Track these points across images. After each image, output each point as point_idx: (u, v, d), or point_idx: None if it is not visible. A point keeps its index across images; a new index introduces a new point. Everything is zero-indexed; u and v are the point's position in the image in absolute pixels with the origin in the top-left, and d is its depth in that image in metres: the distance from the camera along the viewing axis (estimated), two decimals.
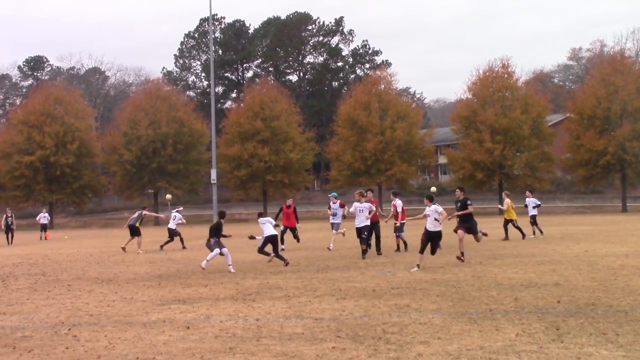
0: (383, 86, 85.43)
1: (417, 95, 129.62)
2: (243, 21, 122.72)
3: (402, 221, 27.26)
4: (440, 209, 21.06)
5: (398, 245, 27.24)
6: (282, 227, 29.08)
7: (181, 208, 37.86)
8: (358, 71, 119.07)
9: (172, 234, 34.69)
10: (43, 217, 54.55)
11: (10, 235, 46.87)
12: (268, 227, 23.76)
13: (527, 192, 39.73)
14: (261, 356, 10.23)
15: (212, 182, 78.80)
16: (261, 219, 24.28)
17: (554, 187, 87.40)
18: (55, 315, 14.46)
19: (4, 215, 48.12)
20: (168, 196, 49.57)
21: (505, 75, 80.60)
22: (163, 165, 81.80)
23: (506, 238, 32.46)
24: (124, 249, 32.88)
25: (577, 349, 10.12)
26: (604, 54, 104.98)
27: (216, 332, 12.08)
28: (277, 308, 14.67)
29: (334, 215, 29.01)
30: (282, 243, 28.62)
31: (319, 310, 14.28)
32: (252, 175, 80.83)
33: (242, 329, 12.38)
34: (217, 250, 22.00)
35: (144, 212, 34.44)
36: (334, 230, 29.18)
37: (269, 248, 23.66)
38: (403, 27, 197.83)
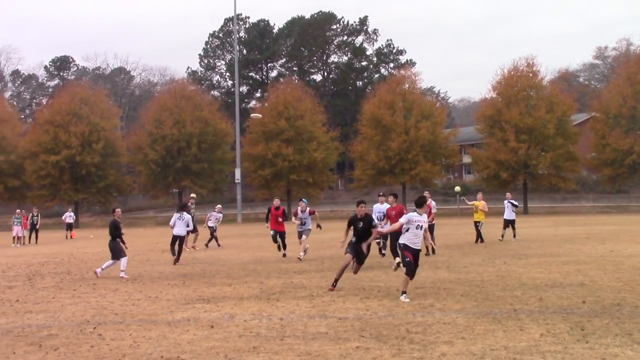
0: (407, 85, 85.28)
1: (442, 95, 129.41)
2: (267, 21, 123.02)
3: (432, 222, 25.92)
4: (425, 218, 16.03)
5: (427, 248, 25.18)
6: (271, 232, 27.41)
7: (219, 206, 38.13)
8: (382, 70, 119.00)
9: (212, 231, 35.41)
10: (69, 216, 54.89)
11: (35, 235, 47.26)
12: (179, 225, 25.52)
13: (507, 193, 36.34)
14: (285, 355, 10.26)
15: (236, 181, 79.00)
16: (177, 214, 25.58)
17: (579, 187, 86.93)
18: (80, 314, 14.56)
19: (30, 214, 48.49)
20: (192, 195, 49.79)
21: (530, 75, 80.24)
22: (188, 165, 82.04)
23: (482, 241, 31.30)
24: (194, 247, 33.30)
25: (603, 350, 10.07)
26: (630, 52, 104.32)
27: (240, 331, 12.11)
28: (301, 307, 14.69)
29: (303, 224, 25.96)
30: (285, 248, 27.26)
31: (342, 309, 14.29)
32: (276, 174, 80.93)
33: (266, 328, 12.41)
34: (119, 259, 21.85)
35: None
36: (304, 236, 25.82)
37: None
38: (427, 26, 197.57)
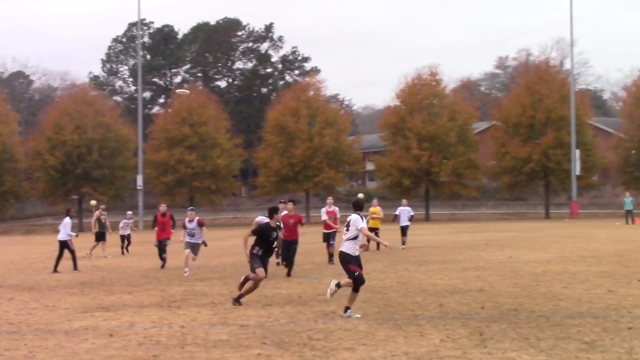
0: (312, 92, 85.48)
1: (346, 102, 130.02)
2: (172, 26, 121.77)
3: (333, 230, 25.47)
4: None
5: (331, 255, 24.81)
6: (155, 243, 26.22)
7: (130, 213, 37.77)
8: (287, 77, 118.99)
9: (125, 238, 35.38)
10: None
11: None
12: (62, 230, 25.35)
13: (403, 200, 36.50)
14: None
15: (138, 188, 78.03)
16: (67, 219, 25.38)
17: (479, 194, 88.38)
18: None
19: None
20: (93, 202, 49.02)
21: (433, 83, 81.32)
22: (88, 171, 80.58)
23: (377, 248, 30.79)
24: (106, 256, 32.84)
25: (500, 354, 10.24)
26: (529, 62, 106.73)
27: (140, 340, 11.95)
28: (202, 315, 14.59)
29: (192, 235, 23.01)
30: (164, 259, 25.65)
31: (244, 317, 14.24)
32: (179, 181, 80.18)
33: (166, 336, 12.27)
34: None
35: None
36: (187, 250, 22.84)
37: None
38: (331, 34, 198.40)
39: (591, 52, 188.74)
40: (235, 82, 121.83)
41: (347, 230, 14.12)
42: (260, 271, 15.97)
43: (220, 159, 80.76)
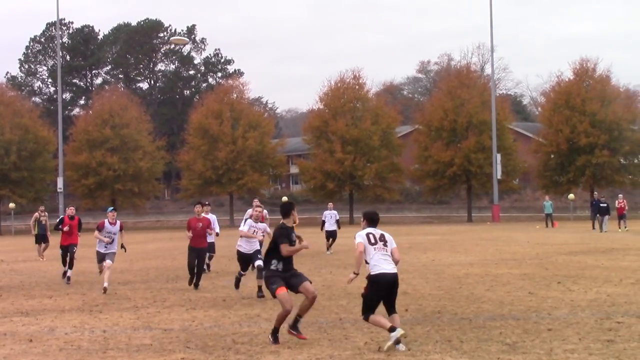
0: (235, 95, 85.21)
1: (270, 105, 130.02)
2: (92, 27, 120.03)
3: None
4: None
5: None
6: (61, 251, 22.72)
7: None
8: (210, 80, 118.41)
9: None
10: None
11: None
12: None
13: (329, 203, 34.21)
14: None
15: (58, 190, 76.72)
16: None
17: (402, 198, 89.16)
18: None
19: None
20: (11, 205, 48.10)
21: (357, 87, 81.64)
22: (6, 173, 78.91)
23: None
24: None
25: (424, 356, 10.31)
26: (450, 67, 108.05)
27: (61, 345, 11.73)
28: (124, 319, 14.40)
29: (110, 242, 19.64)
30: (71, 266, 22.02)
31: (168, 320, 14.10)
32: (101, 184, 79.11)
33: (88, 341, 12.07)
34: None
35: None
36: (108, 261, 19.50)
37: None
38: (254, 36, 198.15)
39: (511, 58, 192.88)
40: (158, 84, 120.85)
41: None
42: (283, 295, 11.76)
43: (143, 162, 79.91)
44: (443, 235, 46.34)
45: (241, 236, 18.55)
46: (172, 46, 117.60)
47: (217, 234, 22.57)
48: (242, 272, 18.31)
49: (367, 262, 11.64)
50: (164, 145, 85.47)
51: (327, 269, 23.86)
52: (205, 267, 21.67)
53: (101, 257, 19.70)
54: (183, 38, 74.06)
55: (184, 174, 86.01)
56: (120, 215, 24.74)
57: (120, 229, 19.97)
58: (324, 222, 32.08)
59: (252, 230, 18.43)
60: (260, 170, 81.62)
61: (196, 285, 19.17)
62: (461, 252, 29.96)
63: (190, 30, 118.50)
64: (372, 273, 11.49)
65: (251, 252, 18.39)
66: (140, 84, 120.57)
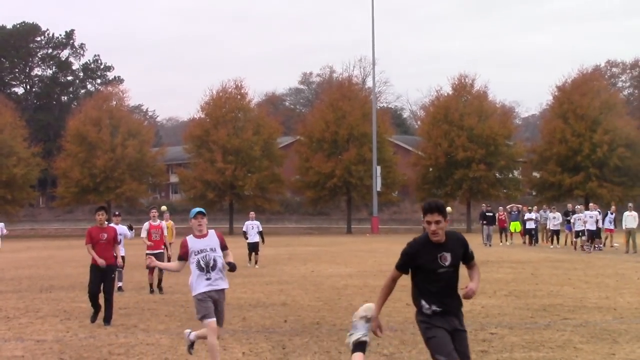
0: (115, 102, 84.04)
1: (150, 113, 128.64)
2: None
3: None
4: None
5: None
6: None
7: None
8: (89, 86, 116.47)
9: None
10: None
11: None
12: None
13: (251, 213, 31.98)
14: None
15: None
16: None
17: (283, 208, 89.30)
18: None
19: None
20: None
21: (239, 96, 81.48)
22: None
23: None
24: None
25: None
26: (332, 79, 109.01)
27: None
28: None
29: None
30: None
31: (41, 331, 13.69)
32: None
33: None
34: None
35: None
36: None
37: None
38: (132, 43, 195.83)
39: (392, 72, 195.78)
40: (34, 89, 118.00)
41: None
42: None
43: (17, 168, 77.72)
44: (322, 246, 46.56)
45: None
46: (50, 51, 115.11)
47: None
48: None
49: None
50: (39, 152, 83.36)
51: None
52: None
53: None
54: None
55: (60, 181, 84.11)
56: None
57: None
58: (245, 233, 29.96)
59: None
60: (140, 179, 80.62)
61: (107, 320, 14.59)
62: (340, 264, 30.11)
63: (69, 35, 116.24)
64: None
65: None
66: (15, 89, 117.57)
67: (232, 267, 10.97)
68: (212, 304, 10.38)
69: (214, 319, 10.24)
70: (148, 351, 11.57)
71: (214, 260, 10.62)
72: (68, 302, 17.85)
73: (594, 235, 37.78)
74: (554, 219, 43.21)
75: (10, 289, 21.42)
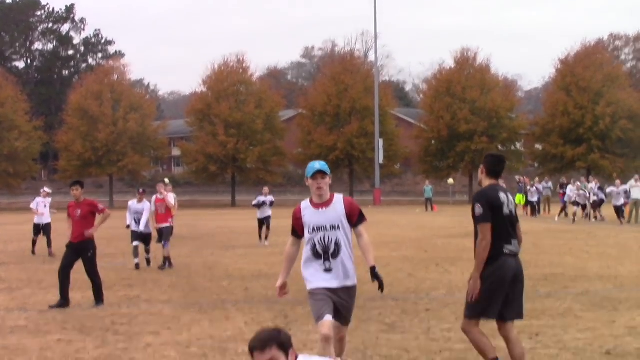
0: (116, 77, 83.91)
1: (152, 87, 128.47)
2: None
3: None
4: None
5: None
6: None
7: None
8: (90, 60, 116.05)
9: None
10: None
11: None
12: None
13: (265, 188, 30.07)
14: None
15: None
16: None
17: (285, 181, 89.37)
18: None
19: None
20: None
21: (241, 70, 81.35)
22: None
23: None
24: None
25: (305, 337, 10.38)
26: (335, 53, 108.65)
27: None
28: None
29: None
30: None
31: (44, 302, 13.79)
32: None
33: None
34: None
35: None
36: None
37: None
38: (135, 18, 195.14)
39: (394, 45, 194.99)
40: (35, 64, 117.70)
41: None
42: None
43: (19, 142, 77.84)
44: None
45: None
46: (50, 25, 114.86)
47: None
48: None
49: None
50: (41, 126, 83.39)
51: (209, 250, 23.73)
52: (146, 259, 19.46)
53: None
54: None
55: (62, 154, 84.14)
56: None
57: None
58: (258, 205, 27.60)
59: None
60: (142, 152, 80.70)
61: (96, 300, 13.78)
62: None
63: (69, 10, 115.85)
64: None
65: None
66: (16, 63, 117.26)
67: (376, 278, 8.04)
68: (331, 303, 7.81)
69: (329, 319, 7.67)
70: (151, 321, 11.65)
71: (336, 244, 8.03)
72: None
73: (620, 211, 36.74)
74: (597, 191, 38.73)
75: (13, 261, 21.54)
